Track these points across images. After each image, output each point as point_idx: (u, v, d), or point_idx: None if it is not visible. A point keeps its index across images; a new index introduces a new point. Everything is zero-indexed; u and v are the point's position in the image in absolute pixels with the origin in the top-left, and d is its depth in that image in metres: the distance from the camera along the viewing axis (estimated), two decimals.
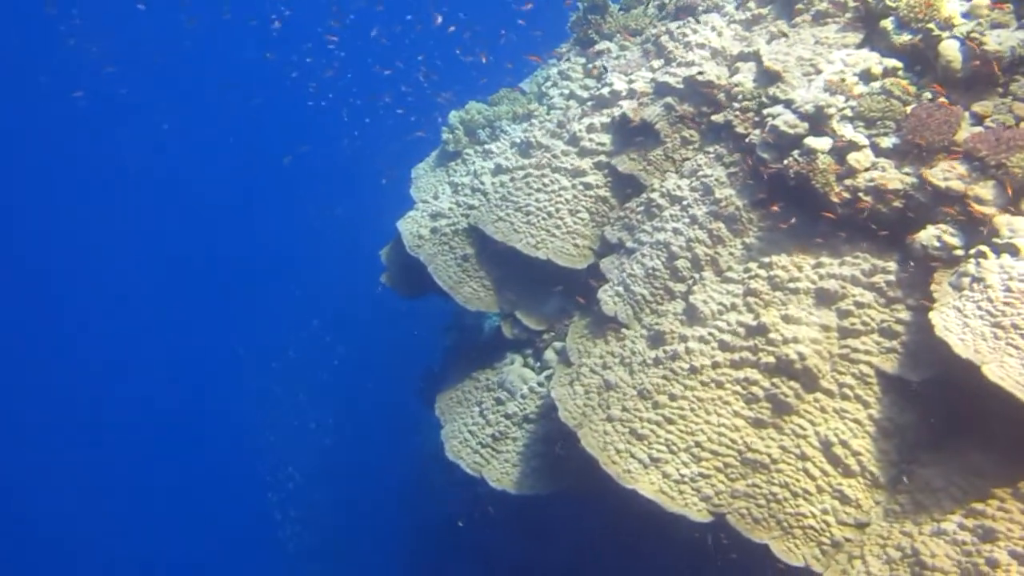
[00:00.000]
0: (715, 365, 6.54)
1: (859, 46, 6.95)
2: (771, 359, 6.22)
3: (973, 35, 5.95)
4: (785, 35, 7.53)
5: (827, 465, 5.86)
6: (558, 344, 8.84)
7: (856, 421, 5.90)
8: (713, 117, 7.62)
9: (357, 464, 20.05)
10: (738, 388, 6.36)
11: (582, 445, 6.80)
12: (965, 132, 5.86)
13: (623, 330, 7.55)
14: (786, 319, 6.32)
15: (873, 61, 6.55)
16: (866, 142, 6.21)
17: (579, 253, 8.60)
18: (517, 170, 9.55)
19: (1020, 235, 5.33)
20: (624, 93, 8.89)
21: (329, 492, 20.99)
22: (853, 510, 5.70)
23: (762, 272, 6.67)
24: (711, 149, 7.63)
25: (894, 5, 6.55)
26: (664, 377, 6.74)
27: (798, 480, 5.93)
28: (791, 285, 6.44)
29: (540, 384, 8.79)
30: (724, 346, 6.57)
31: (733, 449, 6.20)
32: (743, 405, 6.31)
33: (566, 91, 10.35)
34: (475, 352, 10.29)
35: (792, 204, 6.62)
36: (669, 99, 8.15)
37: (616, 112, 8.78)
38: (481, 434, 8.88)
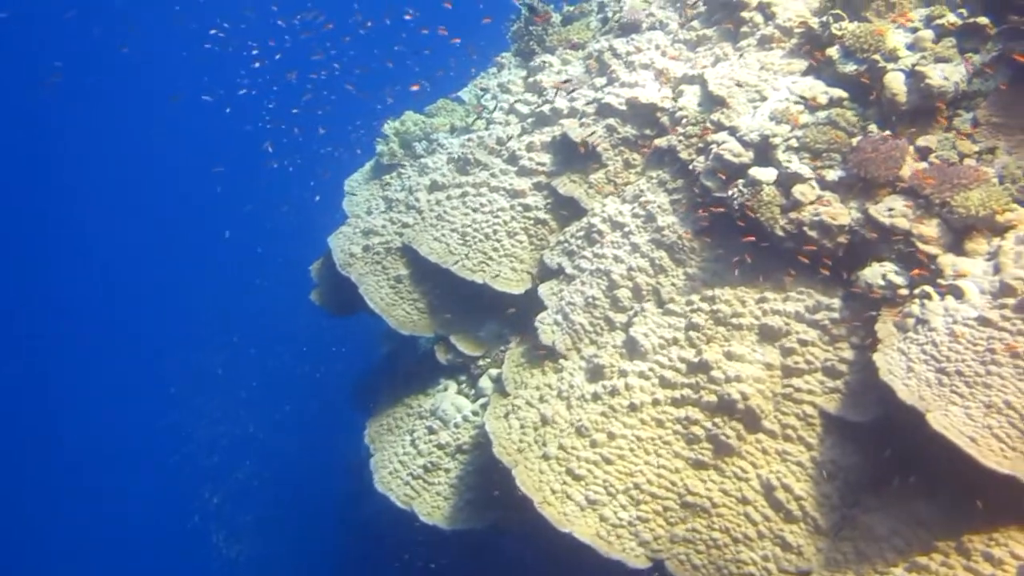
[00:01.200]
0: (655, 402, 6.38)
1: (805, 73, 6.89)
2: (713, 398, 6.08)
3: (918, 69, 5.91)
4: (730, 59, 7.43)
5: (769, 510, 5.75)
6: (494, 371, 8.60)
7: (799, 464, 5.80)
8: (656, 141, 7.49)
9: (288, 482, 19.52)
10: (679, 427, 6.22)
11: (517, 484, 6.58)
12: (910, 167, 5.81)
13: (561, 361, 7.36)
14: (729, 356, 6.20)
15: (819, 90, 6.48)
16: (812, 174, 6.13)
17: (517, 278, 8.38)
18: (454, 188, 9.31)
19: (964, 277, 5.28)
20: (566, 111, 8.70)
21: (259, 511, 20.41)
22: (795, 557, 5.59)
23: (705, 306, 6.55)
24: (654, 174, 7.49)
25: (840, 33, 6.49)
26: (603, 414, 6.56)
27: (739, 525, 5.80)
28: (734, 320, 6.32)
29: (475, 413, 8.54)
30: (665, 382, 6.42)
31: (673, 492, 6.04)
32: (684, 445, 6.16)
33: (505, 105, 10.12)
34: (408, 374, 10.00)
35: (736, 235, 6.50)
36: (612, 120, 7.99)
37: (557, 131, 8.59)
38: (412, 464, 8.59)
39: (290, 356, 22.38)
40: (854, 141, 6.10)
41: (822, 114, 6.34)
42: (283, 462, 20.36)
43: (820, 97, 6.42)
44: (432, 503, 8.24)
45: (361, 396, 11.90)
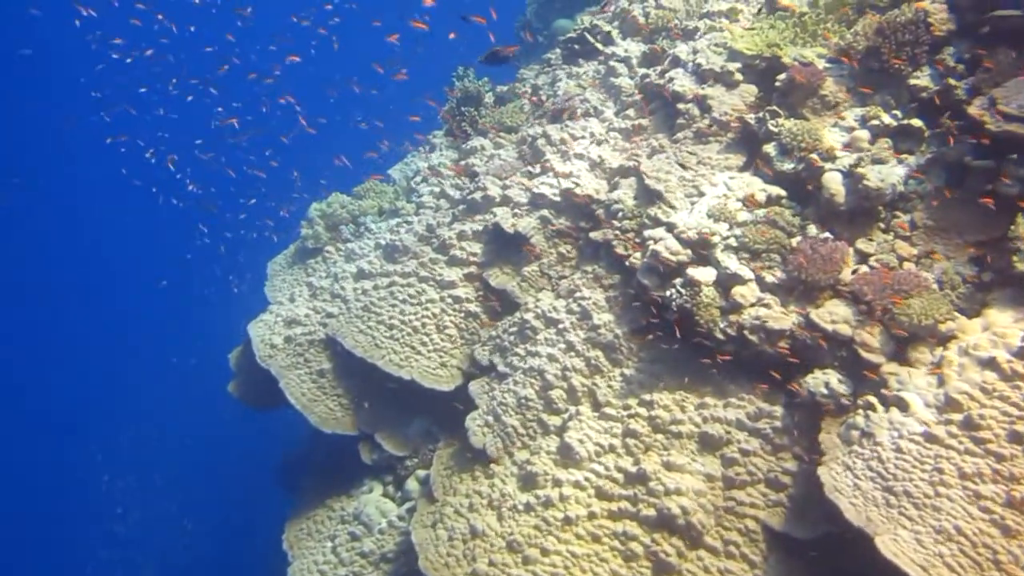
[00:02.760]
0: (592, 516, 6.08)
1: (742, 169, 6.85)
2: (652, 512, 5.81)
3: (856, 170, 5.90)
4: (666, 151, 7.38)
5: None
6: (422, 473, 8.22)
7: None
8: (592, 234, 7.35)
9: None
10: (616, 543, 5.91)
11: None
12: (850, 271, 5.75)
13: (492, 466, 7.02)
14: (668, 466, 5.96)
15: (757, 187, 6.44)
16: (751, 275, 6.02)
17: (447, 374, 8.07)
18: (381, 276, 9.02)
19: (908, 388, 5.16)
20: (498, 199, 8.55)
21: None
22: None
23: (643, 411, 6.32)
24: (589, 268, 7.33)
25: (776, 130, 6.49)
26: (536, 527, 6.22)
27: None
28: (673, 428, 6.10)
29: (400, 518, 8.11)
30: (601, 494, 6.14)
31: None
32: (621, 563, 5.84)
33: (437, 188, 9.95)
34: (330, 470, 9.53)
35: (673, 335, 6.34)
36: (545, 211, 7.85)
37: (489, 220, 8.41)
38: (333, 574, 8.08)
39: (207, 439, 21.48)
40: (793, 242, 6.03)
41: (760, 212, 6.28)
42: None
43: (758, 195, 6.36)
44: None
45: (286, 474, 11.36)
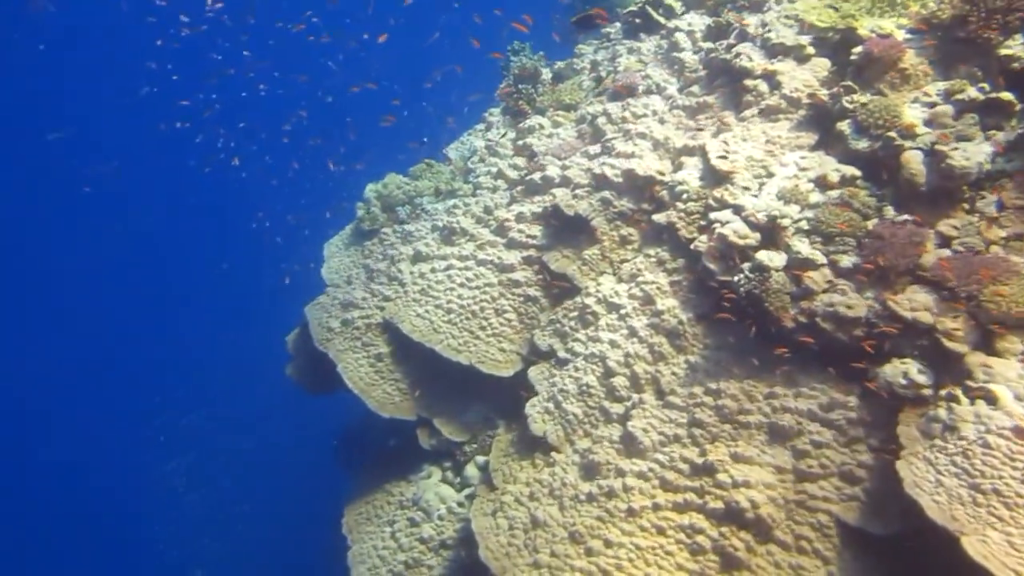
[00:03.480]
0: (656, 507, 5.96)
1: (813, 148, 6.60)
2: (719, 504, 5.66)
3: (938, 148, 5.62)
4: (733, 129, 7.15)
5: None
6: (481, 459, 8.17)
7: None
8: (655, 217, 7.17)
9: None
10: (682, 536, 5.78)
11: None
12: (932, 254, 5.48)
13: (553, 454, 6.94)
14: (736, 458, 5.80)
15: (830, 167, 6.18)
16: (824, 260, 5.80)
17: (505, 359, 7.99)
18: (438, 259, 8.96)
19: (996, 380, 4.92)
20: (557, 180, 8.40)
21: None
22: None
23: (709, 400, 6.15)
24: (652, 252, 7.16)
25: (851, 107, 6.22)
26: (599, 518, 6.13)
27: None
28: (741, 418, 5.93)
29: (460, 504, 8.09)
30: (666, 485, 6.01)
31: None
32: (688, 556, 5.72)
33: (494, 169, 9.83)
34: (389, 454, 9.56)
35: (740, 322, 6.15)
36: (607, 193, 7.68)
37: (548, 201, 8.28)
38: (392, 560, 8.11)
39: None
40: (869, 224, 5.78)
41: (834, 194, 6.03)
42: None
43: (831, 175, 6.11)
44: None
45: (344, 456, 11.48)
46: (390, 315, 8.79)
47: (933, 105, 5.95)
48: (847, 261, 5.75)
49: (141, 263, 33.61)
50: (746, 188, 6.53)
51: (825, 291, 5.74)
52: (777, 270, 5.87)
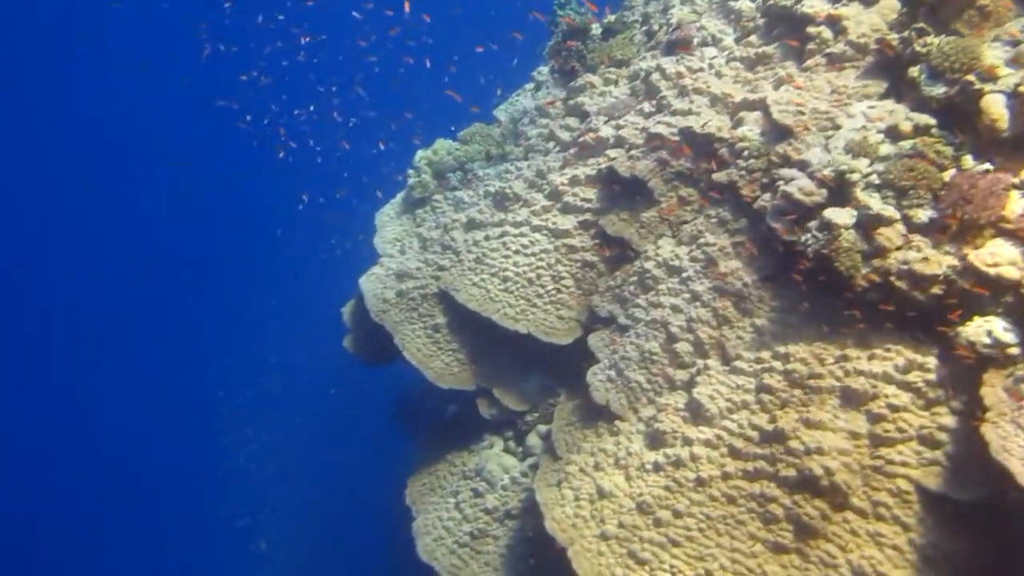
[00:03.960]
0: (726, 476, 5.84)
1: (883, 97, 6.29)
2: (792, 472, 5.52)
3: (1022, 90, 5.30)
4: (794, 81, 6.86)
5: None
6: (542, 427, 8.13)
7: (895, 547, 5.20)
8: (715, 176, 6.94)
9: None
10: (754, 505, 5.66)
11: (573, 568, 6.08)
12: (1016, 206, 5.20)
13: (617, 422, 6.85)
14: (808, 423, 5.63)
15: (901, 117, 5.88)
16: (897, 215, 5.54)
17: (564, 327, 7.89)
18: (492, 226, 8.85)
19: None
20: (611, 140, 8.20)
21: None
22: None
23: (777, 364, 5.98)
24: (713, 212, 6.95)
25: (924, 51, 5.89)
26: (667, 488, 6.04)
27: None
28: (812, 383, 5.74)
29: (523, 474, 8.07)
30: (735, 453, 5.87)
31: None
32: (760, 526, 5.61)
33: (545, 130, 9.64)
34: (450, 423, 9.58)
35: (809, 282, 5.94)
36: (663, 153, 7.47)
37: (603, 163, 8.09)
38: (458, 531, 8.15)
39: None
40: (946, 176, 5.50)
41: (906, 144, 5.74)
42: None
43: (903, 125, 5.82)
44: (481, 574, 7.79)
45: (405, 426, 11.57)
46: (445, 285, 8.74)
47: (1016, 44, 5.59)
48: (923, 216, 5.49)
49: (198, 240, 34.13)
50: (810, 143, 6.26)
51: (899, 248, 5.49)
52: (847, 228, 5.63)
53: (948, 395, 5.29)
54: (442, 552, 8.11)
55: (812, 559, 5.39)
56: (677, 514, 5.87)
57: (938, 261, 5.31)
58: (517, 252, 8.37)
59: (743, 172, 6.63)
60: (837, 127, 6.23)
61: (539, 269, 8.13)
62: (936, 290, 5.32)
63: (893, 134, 5.89)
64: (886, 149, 5.83)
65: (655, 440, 6.37)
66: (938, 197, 5.46)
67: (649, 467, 6.24)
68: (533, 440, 8.17)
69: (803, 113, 6.46)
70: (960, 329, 5.18)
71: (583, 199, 8.19)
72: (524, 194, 8.82)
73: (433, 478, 8.97)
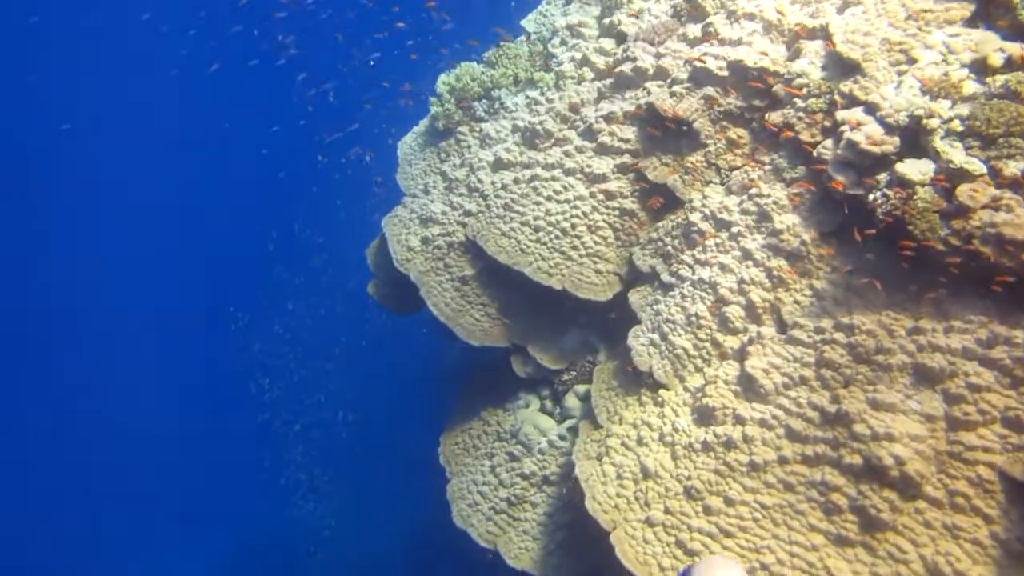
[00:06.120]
0: (782, 460, 5.45)
1: (969, 23, 5.58)
2: (857, 459, 5.12)
3: None
4: (863, 3, 6.13)
5: None
6: (581, 388, 7.78)
7: (975, 542, 4.83)
8: (769, 117, 6.32)
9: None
10: (814, 494, 5.29)
11: (617, 555, 5.81)
12: None
13: (661, 392, 6.46)
14: (875, 405, 5.19)
15: (991, 47, 5.21)
16: (983, 168, 4.95)
17: (603, 281, 7.43)
18: (522, 168, 8.31)
19: None
20: (651, 72, 7.55)
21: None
22: None
23: (840, 336, 5.50)
24: (767, 159, 6.35)
25: None
26: (717, 472, 5.68)
27: None
28: (880, 358, 5.27)
29: (561, 437, 7.77)
30: (793, 435, 5.47)
31: (810, 575, 5.17)
32: (821, 516, 5.25)
33: (577, 55, 8.96)
34: (482, 378, 9.29)
35: (878, 243, 5.41)
36: (710, 89, 6.82)
37: (642, 97, 7.46)
38: (494, 496, 7.93)
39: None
40: None
41: (997, 81, 5.08)
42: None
43: (993, 58, 5.14)
44: (519, 543, 7.60)
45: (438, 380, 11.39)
46: (473, 233, 8.28)
47: None
48: (1014, 168, 4.89)
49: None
50: (881, 80, 5.61)
51: (985, 207, 4.92)
52: (923, 185, 5.06)
53: None
54: (477, 519, 7.92)
55: (880, 554, 5.04)
56: (729, 502, 5.53)
57: None
58: (549, 199, 7.85)
59: (801, 114, 6.01)
60: (913, 60, 5.55)
61: (574, 218, 7.62)
62: None
63: (981, 69, 5.23)
64: (971, 88, 5.18)
65: (703, 416, 5.98)
66: None
67: (697, 447, 5.87)
68: (571, 401, 7.83)
69: (871, 44, 5.77)
70: None
71: (621, 139, 7.59)
72: (556, 131, 8.23)
73: (467, 437, 8.72)
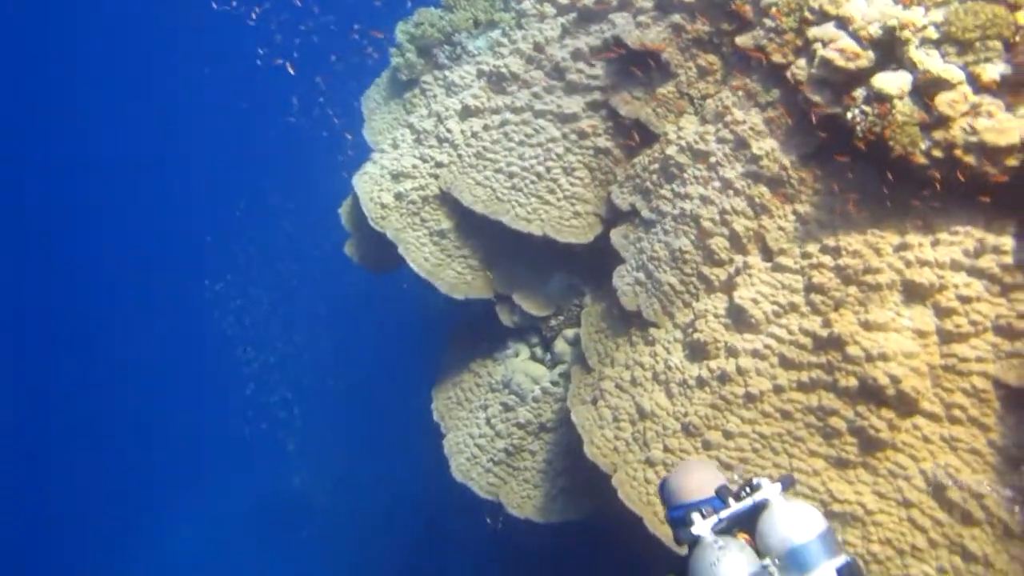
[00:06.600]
0: (777, 389, 5.46)
1: None
2: (852, 382, 5.13)
3: None
4: None
5: (939, 512, 4.88)
6: (569, 332, 7.77)
7: (973, 451, 4.87)
8: (738, 39, 6.19)
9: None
10: (812, 419, 5.32)
11: (620, 497, 5.84)
12: None
13: (651, 330, 6.44)
14: (867, 325, 5.18)
15: None
16: (961, 75, 4.87)
17: (583, 224, 7.37)
18: (491, 113, 8.17)
19: None
20: (615, 2, 7.37)
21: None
22: (981, 569, 4.75)
23: (827, 259, 5.46)
24: (739, 84, 6.24)
25: None
26: (713, 406, 5.69)
27: (903, 534, 4.96)
28: (869, 278, 5.24)
29: (554, 383, 7.78)
30: (787, 363, 5.47)
31: (814, 499, 5.22)
32: (820, 441, 5.28)
33: None
34: (469, 328, 9.27)
35: (858, 162, 5.35)
36: (677, 16, 6.67)
37: (607, 31, 7.30)
38: (492, 448, 7.95)
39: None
40: (1021, 17, 4.78)
41: None
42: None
43: None
44: (521, 492, 7.67)
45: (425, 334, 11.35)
46: (446, 185, 8.16)
47: None
48: (992, 72, 4.81)
49: None
50: None
51: (965, 115, 4.86)
52: (900, 97, 4.98)
53: None
54: (477, 472, 7.95)
55: (881, 472, 5.09)
56: (728, 435, 5.55)
57: (1013, 127, 4.69)
58: (521, 143, 7.73)
59: (772, 34, 5.89)
60: None
61: (548, 161, 7.51)
62: (1012, 161, 4.72)
63: None
64: None
65: (696, 352, 5.97)
66: (1012, 46, 4.77)
67: (692, 383, 5.87)
68: (561, 346, 7.82)
69: None
70: None
71: (589, 76, 7.45)
72: (522, 73, 8.06)
73: (459, 391, 8.71)
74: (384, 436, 15.91)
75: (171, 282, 29.08)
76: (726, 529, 3.16)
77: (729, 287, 5.97)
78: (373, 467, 16.66)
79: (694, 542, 3.09)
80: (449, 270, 8.21)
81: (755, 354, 5.61)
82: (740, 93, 6.18)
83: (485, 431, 8.05)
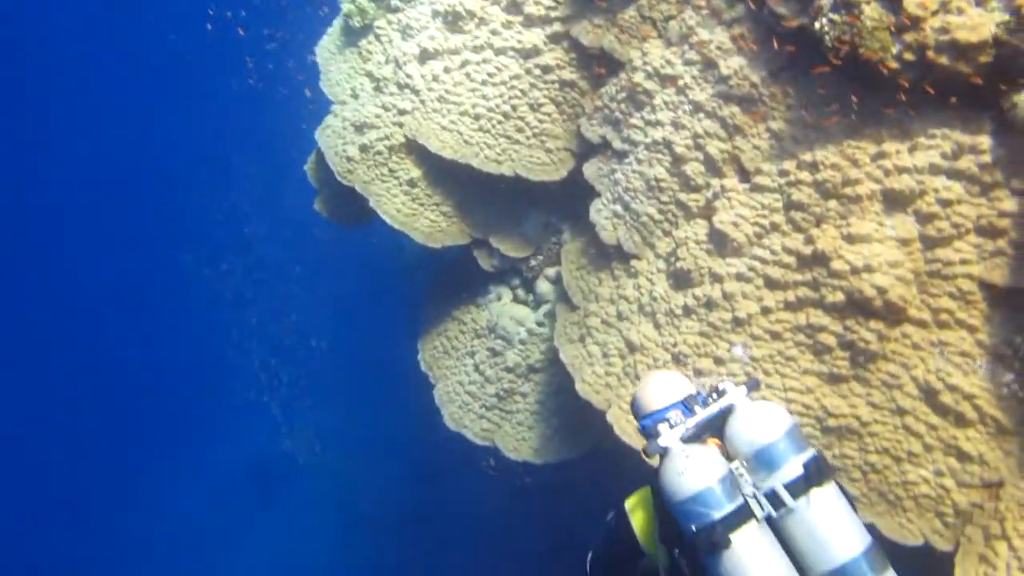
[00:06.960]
0: (765, 311, 5.46)
1: None
2: (839, 296, 5.13)
3: None
4: None
5: (933, 416, 4.94)
6: (551, 271, 7.73)
7: (963, 354, 4.91)
8: None
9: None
10: (801, 338, 5.33)
11: (615, 432, 5.87)
12: None
13: (633, 262, 6.40)
14: (850, 239, 5.16)
15: None
16: None
17: (554, 160, 7.27)
18: (450, 54, 7.97)
19: None
20: None
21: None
22: (977, 468, 4.83)
23: (805, 175, 5.42)
24: (702, 2, 6.11)
25: None
26: (702, 334, 5.69)
27: (899, 441, 5.04)
28: (848, 191, 5.21)
29: (540, 323, 7.76)
30: (772, 284, 5.46)
31: (810, 416, 5.28)
32: (812, 359, 5.30)
33: None
34: (448, 275, 9.21)
35: (830, 73, 5.28)
36: None
37: None
38: (482, 394, 7.96)
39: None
40: None
41: None
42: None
43: None
44: (516, 435, 7.70)
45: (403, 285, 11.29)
46: (411, 132, 8.00)
47: None
48: None
49: None
50: None
51: (935, 13, 4.78)
52: (868, 2, 4.89)
53: (1008, 175, 4.78)
54: (470, 419, 7.97)
55: (874, 383, 5.13)
56: (718, 361, 5.56)
57: (985, 22, 4.62)
58: (484, 83, 7.56)
59: None
60: None
61: (513, 100, 7.37)
62: (985, 58, 4.66)
63: None
64: None
65: (680, 280, 5.95)
66: None
67: (679, 312, 5.86)
68: (544, 286, 7.78)
69: None
70: (1015, 99, 4.59)
71: (548, 7, 7.27)
72: (478, 9, 7.85)
73: (444, 340, 8.68)
74: (373, 391, 15.94)
75: (153, 254, 29.00)
76: (695, 436, 3.20)
77: (708, 212, 5.92)
78: (364, 423, 16.73)
79: (664, 453, 3.12)
80: (422, 219, 8.10)
81: (740, 277, 5.60)
82: (704, 11, 6.06)
83: (474, 378, 8.05)
